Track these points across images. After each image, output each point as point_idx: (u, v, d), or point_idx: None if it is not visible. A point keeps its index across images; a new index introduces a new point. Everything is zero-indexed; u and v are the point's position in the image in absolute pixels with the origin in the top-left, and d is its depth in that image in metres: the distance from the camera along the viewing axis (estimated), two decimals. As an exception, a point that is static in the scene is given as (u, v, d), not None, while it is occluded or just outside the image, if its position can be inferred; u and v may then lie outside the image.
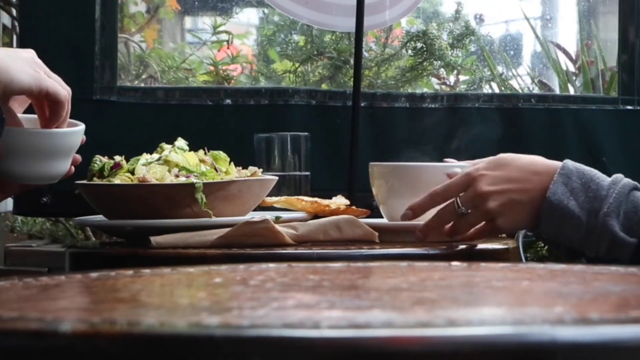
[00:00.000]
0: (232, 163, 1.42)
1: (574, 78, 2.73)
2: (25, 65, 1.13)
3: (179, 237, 1.26)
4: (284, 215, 1.39)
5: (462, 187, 1.29)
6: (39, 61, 1.18)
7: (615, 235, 1.22)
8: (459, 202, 1.28)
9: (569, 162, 1.28)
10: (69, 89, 1.20)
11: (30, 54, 1.18)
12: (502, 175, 1.28)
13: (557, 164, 1.28)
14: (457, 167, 1.47)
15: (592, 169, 1.29)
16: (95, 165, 1.38)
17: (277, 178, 1.44)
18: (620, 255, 1.24)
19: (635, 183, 1.27)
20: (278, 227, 1.26)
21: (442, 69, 2.64)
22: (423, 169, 1.46)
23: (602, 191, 1.24)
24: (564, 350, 0.49)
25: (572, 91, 2.67)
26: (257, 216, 1.28)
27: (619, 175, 1.28)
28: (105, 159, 1.39)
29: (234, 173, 1.39)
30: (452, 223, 1.30)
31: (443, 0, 2.89)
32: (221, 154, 1.41)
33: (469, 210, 1.28)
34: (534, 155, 1.32)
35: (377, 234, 1.32)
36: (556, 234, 1.27)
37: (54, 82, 1.17)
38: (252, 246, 1.24)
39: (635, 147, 1.96)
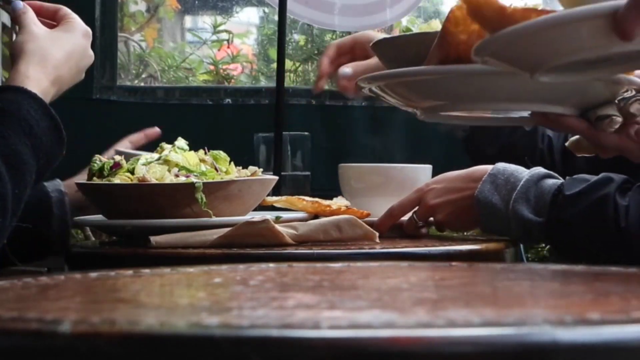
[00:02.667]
0: (232, 163, 1.42)
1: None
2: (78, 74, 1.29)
3: (179, 237, 1.26)
4: (284, 215, 1.39)
5: (415, 202, 1.45)
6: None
7: (524, 217, 1.33)
8: (415, 218, 1.45)
9: (500, 164, 1.40)
10: None
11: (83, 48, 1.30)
12: (445, 187, 1.43)
13: (491, 167, 1.40)
14: (420, 168, 1.60)
15: (520, 167, 1.39)
16: (95, 164, 1.37)
17: (277, 178, 1.44)
18: (535, 237, 1.35)
19: (550, 172, 1.37)
20: (278, 227, 1.26)
21: (442, 69, 2.63)
22: (387, 170, 1.61)
23: (518, 182, 1.35)
24: (565, 351, 0.49)
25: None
26: (257, 216, 1.28)
27: (537, 167, 1.38)
28: (104, 159, 1.39)
29: (234, 173, 1.39)
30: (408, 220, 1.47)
31: (444, 0, 2.88)
32: (221, 154, 1.41)
33: (422, 223, 1.47)
34: (477, 166, 1.45)
35: (377, 234, 1.32)
36: (490, 228, 1.41)
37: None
38: (252, 246, 1.23)
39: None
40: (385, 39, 1.23)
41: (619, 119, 1.01)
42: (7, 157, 1.09)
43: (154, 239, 1.25)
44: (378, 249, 1.23)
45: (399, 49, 1.13)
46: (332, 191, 1.66)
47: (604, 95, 1.00)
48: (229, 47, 2.79)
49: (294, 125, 2.00)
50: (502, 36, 0.83)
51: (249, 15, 3.08)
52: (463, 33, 0.96)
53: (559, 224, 1.32)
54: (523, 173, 1.37)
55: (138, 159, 1.37)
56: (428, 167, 1.61)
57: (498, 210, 1.36)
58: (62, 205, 1.42)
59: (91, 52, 1.30)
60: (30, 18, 1.26)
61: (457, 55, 0.96)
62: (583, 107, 1.00)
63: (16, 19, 1.26)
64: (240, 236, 1.25)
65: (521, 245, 1.51)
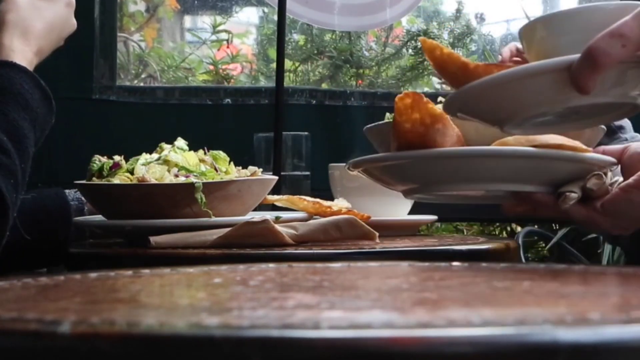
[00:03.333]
0: (232, 163, 1.42)
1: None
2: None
3: (179, 237, 1.26)
4: (284, 215, 1.38)
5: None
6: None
7: None
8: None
9: None
10: None
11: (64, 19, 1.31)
12: None
13: None
14: None
15: None
16: (95, 165, 1.37)
17: (277, 178, 1.43)
18: None
19: None
20: (278, 227, 1.26)
21: (442, 69, 2.64)
22: None
23: None
24: (566, 351, 0.48)
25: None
26: (257, 216, 1.28)
27: None
28: (104, 159, 1.39)
29: (234, 173, 1.39)
30: None
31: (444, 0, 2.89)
32: (221, 154, 1.41)
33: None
34: None
35: (377, 234, 1.32)
36: None
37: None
38: (252, 246, 1.23)
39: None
40: (369, 127, 1.29)
41: (574, 195, 1.00)
42: (11, 134, 1.10)
43: (153, 239, 1.25)
44: (378, 249, 1.23)
45: (382, 135, 1.19)
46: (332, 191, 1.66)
47: (570, 173, 1.01)
48: (229, 47, 2.79)
49: (294, 125, 2.00)
50: (466, 90, 0.86)
51: (249, 15, 3.08)
52: (407, 122, 1.00)
53: None
54: None
55: (137, 159, 1.37)
56: None
57: None
58: (80, 214, 1.43)
59: (74, 21, 1.31)
60: None
61: (406, 142, 1.00)
62: (551, 185, 1.02)
63: None
64: (240, 236, 1.25)
65: (521, 245, 1.51)
